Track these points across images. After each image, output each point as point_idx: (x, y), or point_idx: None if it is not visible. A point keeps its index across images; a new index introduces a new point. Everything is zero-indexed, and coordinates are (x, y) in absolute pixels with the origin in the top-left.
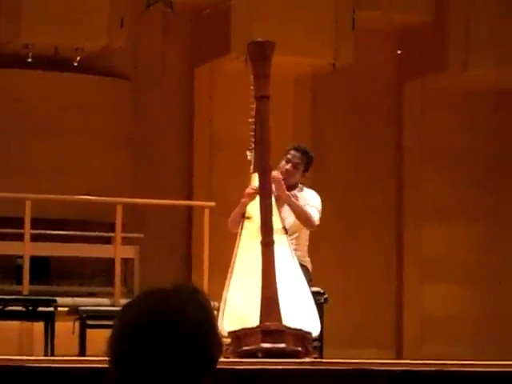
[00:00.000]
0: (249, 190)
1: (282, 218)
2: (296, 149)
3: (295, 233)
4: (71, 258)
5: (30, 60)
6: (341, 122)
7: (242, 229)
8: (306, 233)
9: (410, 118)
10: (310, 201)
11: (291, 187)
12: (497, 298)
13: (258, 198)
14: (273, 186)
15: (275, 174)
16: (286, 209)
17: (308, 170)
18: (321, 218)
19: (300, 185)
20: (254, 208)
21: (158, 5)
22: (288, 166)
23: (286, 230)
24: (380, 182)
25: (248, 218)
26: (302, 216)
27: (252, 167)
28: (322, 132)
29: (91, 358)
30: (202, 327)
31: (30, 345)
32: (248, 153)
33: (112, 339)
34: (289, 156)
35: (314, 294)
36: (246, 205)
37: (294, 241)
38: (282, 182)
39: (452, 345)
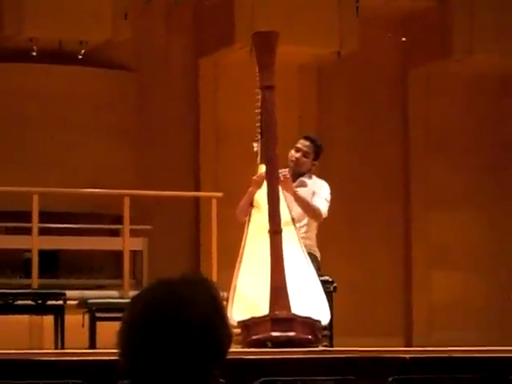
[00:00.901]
0: (256, 178)
1: (290, 208)
2: (306, 138)
3: (303, 220)
4: (79, 251)
5: (34, 54)
6: (346, 110)
7: (250, 218)
8: (314, 222)
9: (416, 105)
10: (319, 191)
11: (301, 175)
12: (504, 283)
13: (265, 186)
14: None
15: (283, 173)
16: None
17: (318, 158)
18: (328, 211)
19: (309, 174)
20: (261, 197)
21: None
22: (298, 155)
23: (293, 221)
24: (386, 169)
25: (255, 206)
26: (308, 210)
27: (259, 158)
28: (328, 121)
29: (101, 350)
30: (211, 318)
31: (39, 338)
32: (254, 144)
33: (121, 332)
34: (298, 145)
35: (323, 282)
36: (253, 193)
37: (302, 229)
38: (290, 180)
39: (461, 331)
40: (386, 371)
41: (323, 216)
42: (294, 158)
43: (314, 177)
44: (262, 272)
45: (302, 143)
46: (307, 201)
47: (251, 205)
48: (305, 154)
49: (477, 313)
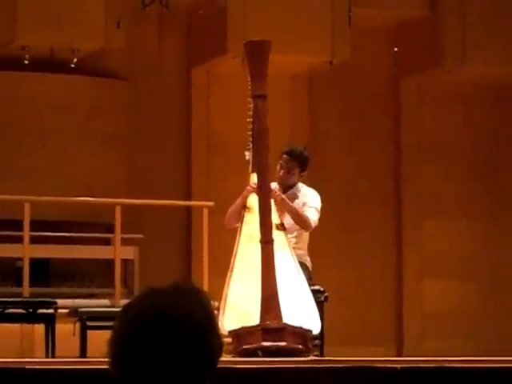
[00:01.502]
0: (249, 188)
1: (281, 216)
2: (287, 153)
3: (295, 231)
4: (71, 259)
5: (26, 62)
6: (338, 119)
7: (241, 226)
8: (306, 232)
9: (408, 114)
10: (310, 201)
11: (290, 187)
12: (497, 292)
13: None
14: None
15: (273, 188)
16: None
17: (305, 169)
18: (320, 218)
19: (299, 184)
20: (254, 200)
21: (154, 5)
22: (281, 173)
23: (283, 227)
24: (378, 178)
25: (248, 208)
26: (298, 219)
27: (250, 167)
28: (320, 130)
29: (92, 359)
30: (202, 327)
31: (30, 347)
32: (246, 153)
33: (113, 340)
34: (281, 161)
35: (314, 292)
36: (245, 198)
37: (294, 239)
38: (280, 195)
39: (453, 340)
40: (377, 381)
41: (313, 225)
42: (279, 176)
43: (304, 186)
44: (254, 281)
45: (284, 159)
46: (297, 210)
47: (244, 207)
48: (289, 171)
49: (469, 322)
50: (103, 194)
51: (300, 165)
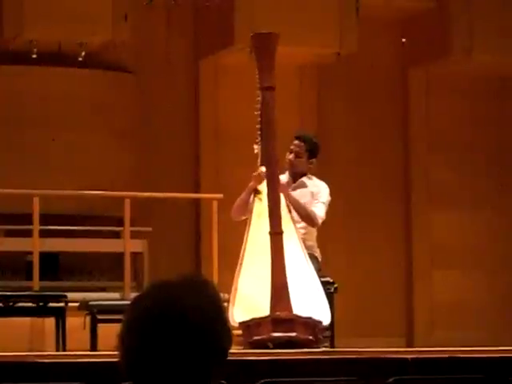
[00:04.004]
0: (255, 174)
1: (290, 208)
2: (297, 137)
3: (302, 222)
4: (80, 253)
5: (34, 56)
6: (346, 110)
7: (251, 218)
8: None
9: (416, 105)
10: (318, 194)
11: (301, 176)
12: (507, 282)
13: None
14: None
15: (282, 183)
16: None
17: (315, 156)
18: (328, 212)
19: (309, 174)
20: (263, 191)
21: None
22: (290, 156)
23: (294, 221)
24: (387, 169)
25: (259, 193)
26: (305, 216)
27: (259, 160)
28: (328, 121)
29: (102, 352)
30: (211, 319)
31: (41, 341)
32: (255, 146)
33: (122, 333)
34: (291, 146)
35: (324, 283)
36: (252, 189)
37: (302, 230)
38: (285, 186)
39: (463, 331)
40: (387, 372)
41: (320, 221)
42: (287, 160)
43: (314, 178)
44: (263, 273)
45: (294, 144)
46: (303, 206)
47: (255, 192)
48: (297, 155)
49: (479, 313)
50: (112, 188)
51: (309, 149)
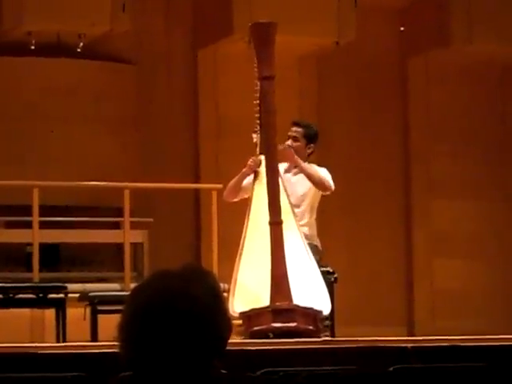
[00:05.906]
0: (250, 163)
1: (289, 194)
2: (294, 123)
3: (302, 206)
4: (80, 244)
5: (33, 47)
6: (346, 99)
7: (250, 206)
8: (314, 206)
9: (415, 94)
10: (321, 173)
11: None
12: (507, 270)
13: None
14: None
15: (283, 147)
16: (294, 181)
17: (313, 143)
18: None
19: (308, 162)
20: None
21: None
22: (289, 142)
23: (294, 212)
24: (387, 158)
25: (258, 175)
26: (317, 180)
27: (258, 149)
28: (328, 110)
29: (103, 343)
30: (211, 309)
31: (41, 332)
32: (254, 135)
33: (122, 323)
34: (289, 132)
35: (324, 273)
36: (246, 175)
37: (304, 215)
38: (292, 151)
39: (464, 319)
40: (388, 361)
41: (332, 186)
42: (286, 146)
43: (313, 165)
44: (263, 263)
45: (291, 129)
46: (315, 172)
47: (254, 178)
48: (294, 139)
49: (479, 301)
50: (111, 178)
51: (306, 134)
